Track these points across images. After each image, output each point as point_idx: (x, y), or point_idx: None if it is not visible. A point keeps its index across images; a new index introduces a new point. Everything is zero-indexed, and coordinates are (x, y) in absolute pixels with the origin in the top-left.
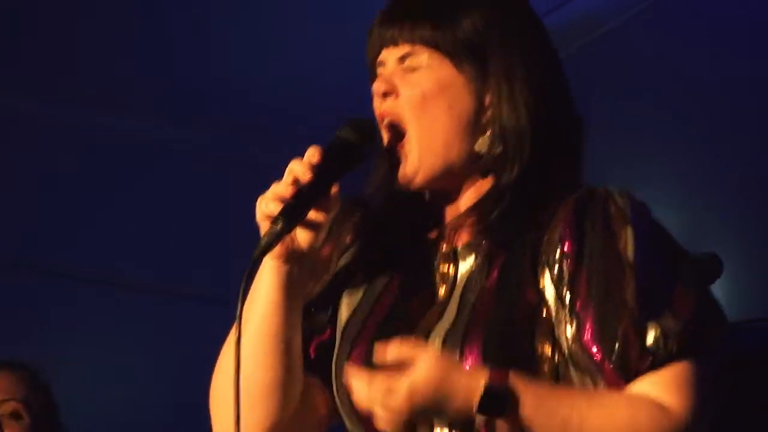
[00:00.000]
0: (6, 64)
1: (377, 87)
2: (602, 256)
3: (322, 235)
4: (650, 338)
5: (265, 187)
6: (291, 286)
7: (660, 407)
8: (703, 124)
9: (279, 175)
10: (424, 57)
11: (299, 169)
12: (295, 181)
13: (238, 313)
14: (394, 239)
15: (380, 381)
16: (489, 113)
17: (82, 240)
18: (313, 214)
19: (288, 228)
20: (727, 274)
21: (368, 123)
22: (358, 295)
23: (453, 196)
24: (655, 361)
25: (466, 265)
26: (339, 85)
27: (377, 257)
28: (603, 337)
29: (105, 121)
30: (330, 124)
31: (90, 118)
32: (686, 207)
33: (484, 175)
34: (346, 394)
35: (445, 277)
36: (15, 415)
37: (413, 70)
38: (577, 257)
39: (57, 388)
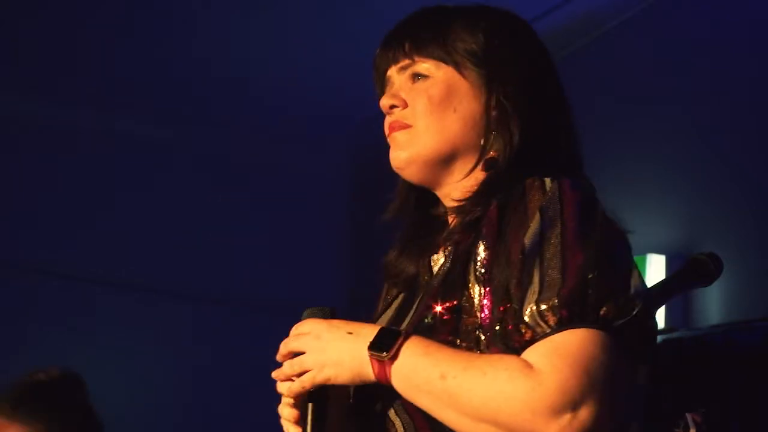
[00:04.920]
0: (6, 64)
1: (383, 102)
2: (507, 254)
3: None
4: (527, 315)
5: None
6: None
7: (526, 367)
8: (702, 123)
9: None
10: (428, 66)
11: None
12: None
13: None
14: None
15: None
16: (491, 116)
17: (82, 240)
18: None
19: None
20: (727, 274)
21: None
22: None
23: (444, 191)
24: (535, 334)
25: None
26: (339, 85)
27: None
28: (490, 321)
29: (105, 121)
30: (329, 124)
31: (90, 118)
32: (686, 207)
33: (473, 174)
34: None
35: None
36: None
37: (419, 79)
38: (490, 259)
39: None
